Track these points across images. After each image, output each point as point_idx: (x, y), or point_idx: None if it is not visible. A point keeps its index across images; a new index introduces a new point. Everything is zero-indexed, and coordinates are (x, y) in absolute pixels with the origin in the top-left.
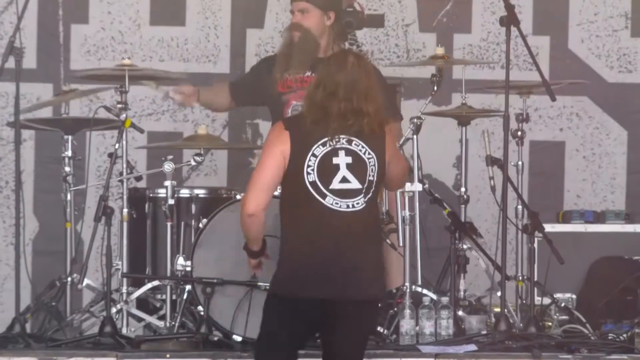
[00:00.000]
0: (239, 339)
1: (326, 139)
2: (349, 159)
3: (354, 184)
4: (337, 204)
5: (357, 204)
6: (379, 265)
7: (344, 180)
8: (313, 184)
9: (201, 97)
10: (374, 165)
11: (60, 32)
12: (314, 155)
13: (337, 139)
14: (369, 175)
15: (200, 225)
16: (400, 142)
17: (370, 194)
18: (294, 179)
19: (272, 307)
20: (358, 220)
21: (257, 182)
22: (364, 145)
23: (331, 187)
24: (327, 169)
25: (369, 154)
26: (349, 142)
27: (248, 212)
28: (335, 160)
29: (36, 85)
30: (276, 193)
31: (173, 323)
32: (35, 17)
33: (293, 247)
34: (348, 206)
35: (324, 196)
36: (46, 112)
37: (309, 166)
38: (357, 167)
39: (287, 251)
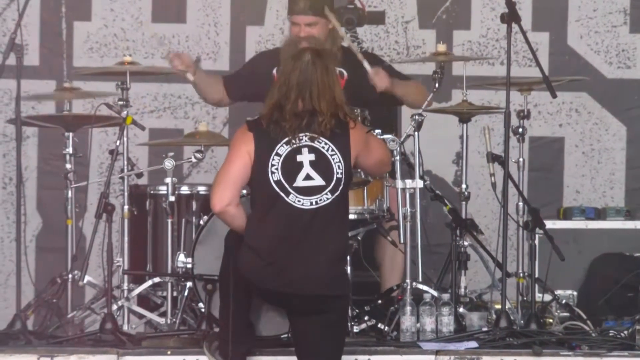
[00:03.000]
0: None
1: (288, 137)
2: (312, 157)
3: (318, 180)
4: (299, 201)
5: (321, 200)
6: (340, 261)
7: (308, 177)
8: (278, 182)
9: (197, 74)
10: (340, 162)
11: (62, 29)
12: (277, 154)
13: (299, 138)
14: (337, 173)
15: (201, 222)
16: (402, 139)
17: (339, 191)
18: (260, 177)
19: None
20: (321, 217)
21: (221, 179)
22: (327, 142)
23: (295, 184)
24: (291, 167)
25: (332, 151)
26: (312, 139)
27: (215, 211)
28: (299, 158)
29: (39, 82)
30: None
31: (174, 320)
32: (38, 14)
33: (253, 242)
34: (311, 203)
35: (287, 194)
36: (48, 109)
37: (272, 165)
38: (321, 164)
39: (247, 245)
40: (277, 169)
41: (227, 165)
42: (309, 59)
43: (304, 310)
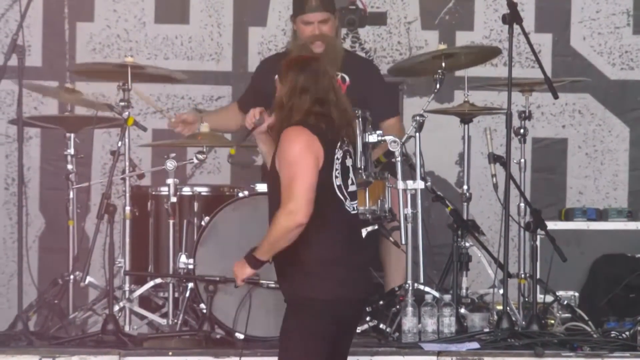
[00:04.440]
0: (241, 336)
1: (340, 142)
2: (351, 161)
3: (355, 186)
4: (351, 206)
5: (357, 205)
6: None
7: (352, 182)
8: (339, 187)
9: (208, 120)
10: None
11: (65, 30)
12: (337, 158)
13: (345, 141)
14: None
15: (203, 223)
16: (403, 140)
17: None
18: (326, 182)
19: (317, 313)
20: (359, 222)
21: (307, 191)
22: (350, 147)
23: (348, 189)
24: (344, 172)
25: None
26: (347, 144)
27: (300, 222)
28: (347, 163)
29: (41, 83)
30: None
31: (175, 321)
32: (41, 15)
33: (326, 252)
34: (354, 208)
35: (345, 199)
36: (51, 110)
37: (335, 169)
38: (353, 169)
39: (319, 256)
40: (338, 173)
41: (308, 177)
42: (318, 65)
43: (360, 314)
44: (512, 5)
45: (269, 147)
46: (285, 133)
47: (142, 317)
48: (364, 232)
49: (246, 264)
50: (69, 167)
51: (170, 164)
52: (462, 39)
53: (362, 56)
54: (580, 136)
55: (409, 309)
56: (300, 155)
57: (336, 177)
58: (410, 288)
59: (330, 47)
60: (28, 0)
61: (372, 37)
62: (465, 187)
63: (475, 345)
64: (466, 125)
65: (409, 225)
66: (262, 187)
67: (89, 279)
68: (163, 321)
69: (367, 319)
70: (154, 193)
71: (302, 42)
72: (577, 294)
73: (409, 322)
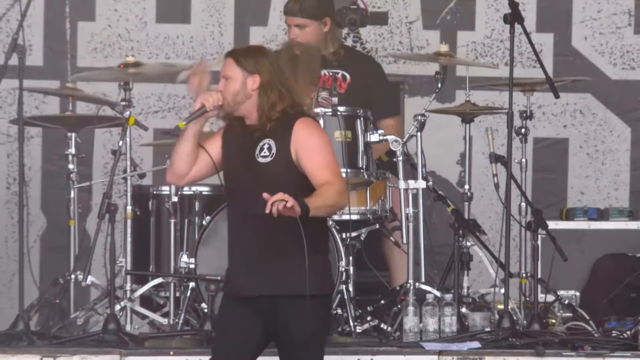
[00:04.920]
0: None
1: None
2: None
3: None
4: None
5: None
6: None
7: None
8: None
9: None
10: None
11: (67, 30)
12: None
13: None
14: None
15: (204, 222)
16: (405, 139)
17: None
18: None
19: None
20: None
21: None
22: None
23: None
24: None
25: None
26: None
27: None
28: None
29: (42, 82)
30: None
31: (177, 320)
32: (42, 14)
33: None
34: None
35: None
36: (52, 109)
37: None
38: None
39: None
40: None
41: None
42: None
43: None
44: (513, 5)
45: (198, 128)
46: (305, 121)
47: (144, 317)
48: (364, 232)
49: (297, 204)
50: (70, 166)
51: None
52: (464, 39)
53: (364, 53)
54: (581, 136)
55: (410, 309)
56: (327, 140)
57: None
58: (412, 287)
59: (304, 55)
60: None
61: (374, 37)
62: (466, 186)
63: (476, 344)
64: (467, 125)
65: (410, 225)
66: None
67: (90, 278)
68: (164, 321)
69: (369, 318)
70: (155, 192)
71: (286, 41)
72: (578, 294)
73: (410, 321)
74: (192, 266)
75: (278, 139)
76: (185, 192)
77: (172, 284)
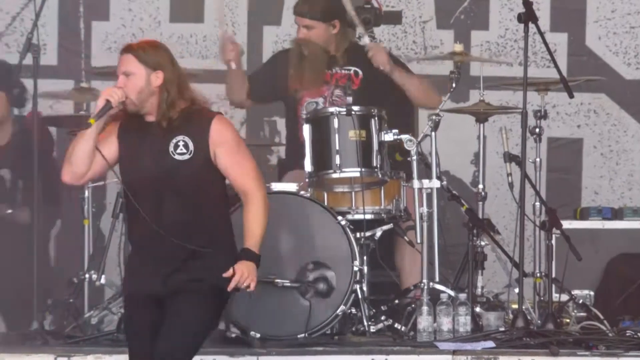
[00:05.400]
0: (257, 335)
1: None
2: None
3: None
4: None
5: None
6: None
7: None
8: None
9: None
10: None
11: (81, 29)
12: None
13: None
14: None
15: None
16: (419, 139)
17: None
18: None
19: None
20: None
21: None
22: None
23: None
24: None
25: None
26: None
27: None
28: None
29: (56, 82)
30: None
31: None
32: (56, 14)
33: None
34: None
35: None
36: (66, 109)
37: None
38: None
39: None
40: None
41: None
42: None
43: None
44: (527, 5)
45: (100, 126)
46: (222, 119)
47: None
48: (379, 232)
49: (254, 264)
50: None
51: None
52: (478, 38)
53: None
54: (595, 136)
55: (424, 308)
56: (244, 143)
57: None
58: (426, 287)
59: (311, 55)
60: None
61: (387, 36)
62: (480, 186)
63: (490, 344)
64: (481, 125)
65: (425, 225)
66: (277, 186)
67: (104, 278)
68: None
69: (383, 318)
70: None
71: (294, 40)
72: (592, 293)
73: (424, 321)
74: None
75: (194, 137)
76: None
77: None
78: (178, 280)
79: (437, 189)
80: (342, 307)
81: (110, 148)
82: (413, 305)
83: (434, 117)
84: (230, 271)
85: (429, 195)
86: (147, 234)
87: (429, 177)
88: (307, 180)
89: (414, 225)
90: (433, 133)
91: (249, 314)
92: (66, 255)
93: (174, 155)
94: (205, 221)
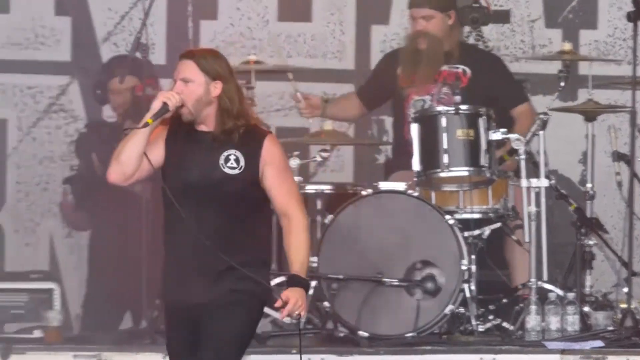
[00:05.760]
0: (365, 334)
1: None
2: None
3: None
4: None
5: None
6: None
7: None
8: None
9: (327, 111)
10: None
11: (189, 28)
12: None
13: None
14: None
15: (326, 221)
16: (527, 138)
17: None
18: None
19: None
20: None
21: None
22: None
23: None
24: None
25: None
26: None
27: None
28: None
29: (166, 81)
30: None
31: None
32: (165, 13)
33: None
34: None
35: None
36: None
37: None
38: None
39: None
40: None
41: None
42: None
43: None
44: (637, 3)
45: (153, 129)
46: (273, 138)
47: (266, 315)
48: (487, 231)
49: (304, 291)
50: None
51: (294, 162)
52: (586, 37)
53: (483, 49)
54: None
55: (533, 307)
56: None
57: None
58: (534, 286)
59: (430, 48)
60: None
61: (496, 36)
62: (588, 185)
63: (599, 343)
64: (590, 124)
65: (533, 223)
66: (385, 185)
67: None
68: (287, 319)
69: (491, 317)
70: None
71: (410, 34)
72: None
73: (532, 320)
74: (314, 265)
75: (246, 152)
76: (307, 191)
77: None
78: (216, 290)
79: (545, 187)
80: (450, 307)
81: (157, 152)
82: (521, 305)
83: (542, 116)
84: (280, 301)
85: (537, 194)
86: (186, 242)
87: (537, 176)
88: (415, 179)
89: (522, 224)
90: (541, 132)
91: (356, 313)
92: None
93: (224, 168)
94: (244, 236)
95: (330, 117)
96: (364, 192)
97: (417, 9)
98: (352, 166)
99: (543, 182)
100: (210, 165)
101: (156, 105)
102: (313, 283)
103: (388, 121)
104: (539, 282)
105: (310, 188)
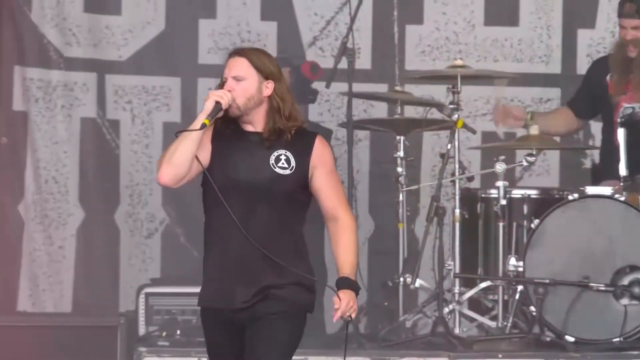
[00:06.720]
0: (572, 339)
1: None
2: None
3: None
4: None
5: None
6: None
7: None
8: None
9: (536, 120)
10: None
11: (395, 33)
12: None
13: None
14: None
15: (532, 225)
16: None
17: None
18: None
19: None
20: None
21: None
22: None
23: None
24: None
25: None
26: None
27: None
28: None
29: (370, 86)
30: None
31: (505, 323)
32: (370, 18)
33: None
34: None
35: None
36: (380, 113)
37: None
38: None
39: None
40: None
41: None
42: None
43: None
44: None
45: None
46: (323, 140)
47: (472, 320)
48: None
49: (354, 293)
50: (399, 169)
51: (500, 167)
52: None
53: None
54: None
55: None
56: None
57: None
58: None
59: (638, 57)
60: (358, 3)
61: None
62: None
63: None
64: None
65: None
66: (592, 190)
67: (418, 281)
68: (492, 324)
69: None
70: (483, 195)
71: (619, 42)
72: None
73: None
74: (520, 269)
75: (296, 153)
76: (514, 196)
77: (500, 287)
78: (261, 296)
79: None
80: None
81: (205, 152)
82: None
83: None
84: (337, 300)
85: None
86: (233, 244)
87: None
88: (621, 184)
89: None
90: None
91: (563, 318)
92: (381, 259)
93: (275, 167)
94: (290, 237)
95: (542, 130)
96: (570, 197)
97: (628, 20)
98: (558, 170)
99: None
100: (261, 165)
101: (209, 105)
102: (519, 287)
103: (594, 125)
104: None
105: (517, 193)
